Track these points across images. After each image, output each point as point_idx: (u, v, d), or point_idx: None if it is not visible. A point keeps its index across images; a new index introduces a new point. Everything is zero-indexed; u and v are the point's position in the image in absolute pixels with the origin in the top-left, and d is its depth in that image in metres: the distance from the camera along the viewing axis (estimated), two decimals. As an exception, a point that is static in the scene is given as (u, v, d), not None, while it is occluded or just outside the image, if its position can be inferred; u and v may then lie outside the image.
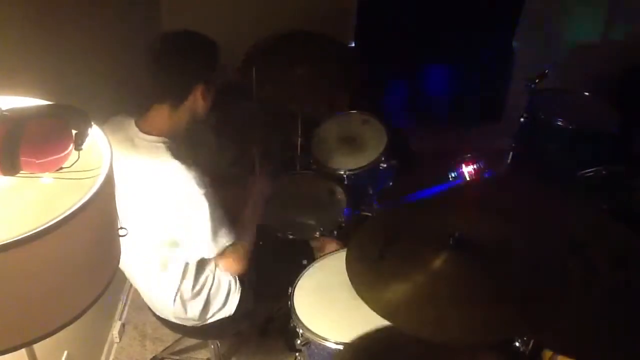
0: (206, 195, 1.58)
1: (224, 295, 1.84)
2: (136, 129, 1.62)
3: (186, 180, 1.56)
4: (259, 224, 1.89)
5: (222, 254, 1.68)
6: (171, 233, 1.66)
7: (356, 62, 2.70)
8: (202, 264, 1.77)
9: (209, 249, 1.66)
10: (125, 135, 1.62)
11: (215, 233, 1.62)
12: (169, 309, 1.83)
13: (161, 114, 1.62)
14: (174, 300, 1.78)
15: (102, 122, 1.65)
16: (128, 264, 1.79)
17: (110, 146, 1.06)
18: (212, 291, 1.81)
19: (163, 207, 1.61)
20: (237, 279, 1.86)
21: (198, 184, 1.56)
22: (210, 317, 1.86)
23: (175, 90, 1.61)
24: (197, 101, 1.64)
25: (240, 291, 1.87)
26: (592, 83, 2.86)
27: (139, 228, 1.66)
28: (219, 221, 1.63)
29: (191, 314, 1.82)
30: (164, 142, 1.60)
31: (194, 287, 1.78)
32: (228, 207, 1.68)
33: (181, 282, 1.76)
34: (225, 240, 1.66)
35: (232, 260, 1.72)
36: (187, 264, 1.74)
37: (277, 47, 2.59)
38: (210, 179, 1.62)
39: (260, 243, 1.91)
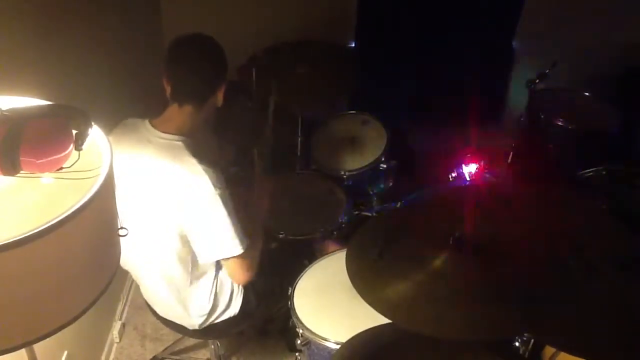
0: (222, 195, 1.57)
1: (227, 297, 1.84)
2: (152, 129, 1.62)
3: (205, 179, 1.55)
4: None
5: (231, 260, 1.66)
6: (187, 232, 1.64)
7: (356, 62, 2.71)
8: (209, 266, 1.77)
9: (227, 249, 1.63)
10: (140, 135, 1.62)
11: (234, 233, 1.61)
12: (176, 312, 1.83)
13: (182, 113, 1.62)
14: (185, 303, 1.79)
15: (113, 125, 1.66)
16: (138, 264, 1.79)
17: (111, 146, 1.05)
18: (217, 294, 1.81)
19: (180, 206, 1.59)
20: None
21: (215, 184, 1.56)
22: (216, 319, 1.86)
23: (203, 91, 1.63)
24: (218, 100, 1.67)
25: (243, 292, 1.87)
26: (592, 83, 2.86)
27: (155, 228, 1.66)
28: (235, 221, 1.62)
29: (198, 316, 1.83)
30: (182, 141, 1.60)
31: (207, 291, 1.78)
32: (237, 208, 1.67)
33: (192, 285, 1.76)
34: (245, 241, 1.64)
35: (240, 268, 1.69)
36: (198, 267, 1.73)
37: (278, 48, 2.60)
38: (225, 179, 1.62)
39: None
